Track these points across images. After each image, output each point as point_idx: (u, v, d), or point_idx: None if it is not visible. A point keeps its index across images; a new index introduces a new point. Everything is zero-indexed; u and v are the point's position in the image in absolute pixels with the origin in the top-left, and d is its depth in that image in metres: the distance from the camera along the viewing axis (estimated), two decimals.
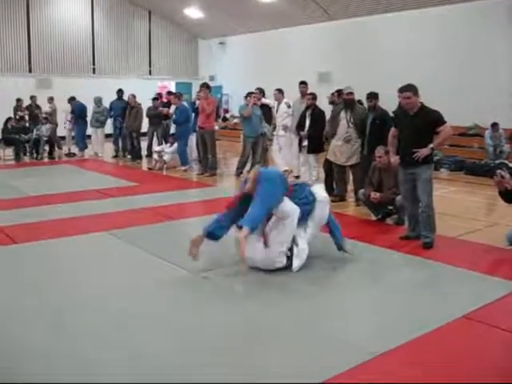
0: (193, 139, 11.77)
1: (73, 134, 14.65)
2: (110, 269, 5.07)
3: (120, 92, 13.97)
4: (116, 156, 13.98)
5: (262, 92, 11.14)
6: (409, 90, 5.60)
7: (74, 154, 14.20)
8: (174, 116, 11.64)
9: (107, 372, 3.11)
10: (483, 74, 12.97)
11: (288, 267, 4.77)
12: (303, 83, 9.97)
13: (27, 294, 4.34)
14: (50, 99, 14.93)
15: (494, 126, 11.86)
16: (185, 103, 12.08)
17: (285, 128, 10.15)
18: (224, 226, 4.78)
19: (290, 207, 4.75)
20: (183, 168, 11.45)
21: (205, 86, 10.89)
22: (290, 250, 4.77)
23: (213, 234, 4.76)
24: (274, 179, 4.74)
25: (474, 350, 3.46)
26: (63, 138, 14.89)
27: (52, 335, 3.58)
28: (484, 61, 12.99)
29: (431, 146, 5.61)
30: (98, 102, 14.00)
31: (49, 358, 3.27)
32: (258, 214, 4.55)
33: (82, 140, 14.24)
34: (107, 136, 14.50)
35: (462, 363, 3.27)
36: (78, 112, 13.98)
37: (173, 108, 12.17)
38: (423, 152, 5.56)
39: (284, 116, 10.18)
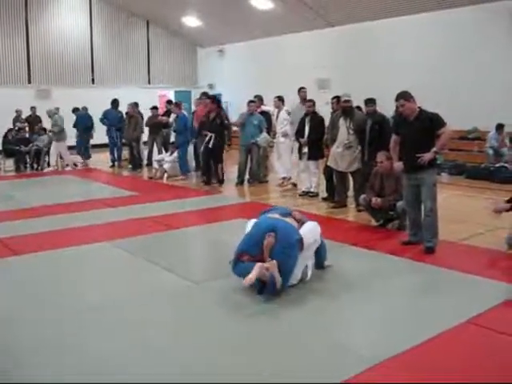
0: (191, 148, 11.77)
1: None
2: (111, 278, 5.06)
3: (115, 102, 13.90)
4: (113, 166, 13.96)
5: (260, 99, 11.16)
6: (401, 97, 5.68)
7: (76, 165, 14.18)
8: (173, 125, 11.64)
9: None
10: (486, 76, 12.91)
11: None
12: (304, 88, 10.01)
13: (28, 305, 4.32)
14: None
15: (500, 127, 11.78)
16: (184, 112, 12.08)
17: (284, 135, 10.16)
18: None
19: (307, 239, 4.67)
20: (182, 177, 11.42)
21: (205, 95, 11.02)
22: None
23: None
24: (293, 247, 4.50)
25: (478, 356, 3.43)
26: None
27: (52, 341, 3.57)
28: (487, 63, 12.92)
29: (434, 149, 5.62)
30: (49, 113, 13.71)
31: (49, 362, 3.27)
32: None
33: (86, 150, 14.25)
34: (103, 146, 14.51)
35: (466, 369, 3.24)
36: (83, 122, 13.94)
37: (172, 117, 12.19)
38: (427, 157, 5.58)
39: (284, 123, 10.18)
